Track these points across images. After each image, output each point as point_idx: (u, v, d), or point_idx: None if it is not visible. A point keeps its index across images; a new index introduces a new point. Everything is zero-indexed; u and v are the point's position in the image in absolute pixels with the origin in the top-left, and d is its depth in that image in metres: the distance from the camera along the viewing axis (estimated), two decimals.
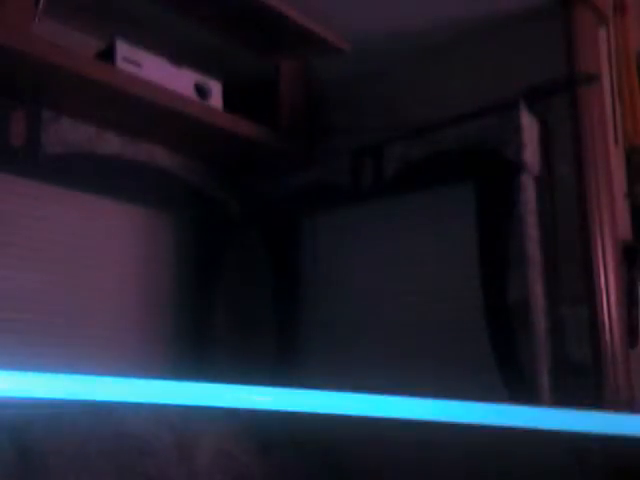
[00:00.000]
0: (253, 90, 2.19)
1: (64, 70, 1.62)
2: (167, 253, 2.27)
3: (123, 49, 1.77)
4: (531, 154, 1.80)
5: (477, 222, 1.85)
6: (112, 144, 1.96)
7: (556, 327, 1.76)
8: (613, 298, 1.75)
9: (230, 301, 2.29)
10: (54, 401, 1.76)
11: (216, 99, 1.98)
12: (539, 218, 1.82)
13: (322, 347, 2.20)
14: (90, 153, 1.91)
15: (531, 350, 1.71)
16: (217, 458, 1.85)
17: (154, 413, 1.83)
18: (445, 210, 1.98)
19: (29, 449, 1.57)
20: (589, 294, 1.74)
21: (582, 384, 1.71)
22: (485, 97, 1.93)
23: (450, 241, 1.96)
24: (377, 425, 1.51)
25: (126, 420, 1.77)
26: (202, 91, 1.95)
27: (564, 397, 1.72)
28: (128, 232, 2.17)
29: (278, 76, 2.16)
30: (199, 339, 2.22)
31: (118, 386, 1.07)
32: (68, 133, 1.85)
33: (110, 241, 2.11)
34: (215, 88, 1.98)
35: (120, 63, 1.76)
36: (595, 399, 1.68)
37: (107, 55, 1.76)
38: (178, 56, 1.91)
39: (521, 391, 1.73)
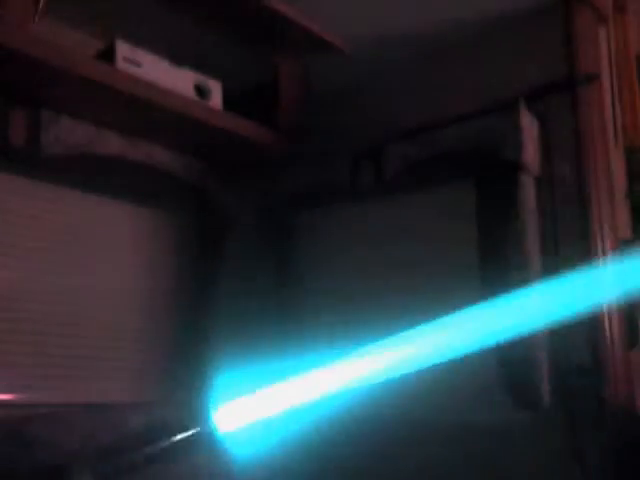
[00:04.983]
0: (253, 90, 2.19)
1: (64, 70, 1.62)
2: (167, 253, 2.27)
3: (123, 49, 1.77)
4: (531, 154, 1.80)
5: (477, 222, 1.85)
6: (112, 144, 1.96)
7: (556, 328, 1.75)
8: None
9: (230, 300, 2.29)
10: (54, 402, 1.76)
11: (216, 99, 1.98)
12: (539, 218, 1.82)
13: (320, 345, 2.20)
14: (90, 153, 1.91)
15: (531, 350, 1.71)
16: (217, 458, 1.85)
17: (154, 413, 1.83)
18: (445, 210, 1.98)
19: (30, 448, 1.57)
20: None
21: (582, 385, 1.70)
22: (485, 97, 1.93)
23: (450, 241, 1.96)
24: None
25: (125, 420, 1.77)
26: (202, 91, 1.95)
27: (564, 397, 1.72)
28: (128, 232, 2.18)
29: (278, 76, 2.16)
30: (199, 337, 2.22)
31: None
32: (68, 133, 1.85)
33: (110, 241, 2.12)
34: (215, 88, 1.98)
35: (120, 63, 1.76)
36: (595, 399, 1.68)
37: (107, 55, 1.76)
38: (178, 56, 1.91)
39: (521, 391, 1.73)
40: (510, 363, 1.74)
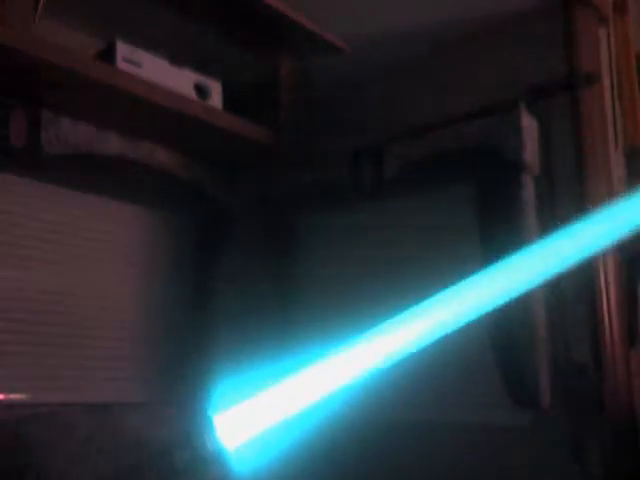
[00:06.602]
0: (253, 90, 2.19)
1: (64, 70, 1.62)
2: (167, 253, 2.27)
3: (123, 49, 1.77)
4: (531, 154, 1.80)
5: (477, 222, 1.85)
6: (112, 144, 1.96)
7: (556, 327, 1.75)
8: (613, 298, 1.75)
9: (230, 300, 2.29)
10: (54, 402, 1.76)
11: (216, 99, 1.98)
12: (539, 218, 1.82)
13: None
14: (90, 153, 1.91)
15: (531, 350, 1.71)
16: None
17: (153, 412, 1.83)
18: (445, 210, 1.98)
19: (29, 447, 1.57)
20: (589, 294, 1.74)
21: (582, 384, 1.71)
22: (485, 97, 1.93)
23: (450, 241, 1.96)
24: None
25: (125, 419, 1.77)
26: (202, 91, 1.95)
27: (564, 397, 1.72)
28: (128, 232, 2.18)
29: (278, 76, 2.16)
30: (199, 337, 2.22)
31: None
32: (68, 133, 1.85)
33: (110, 241, 2.12)
34: (215, 88, 1.98)
35: (120, 63, 1.76)
36: (595, 399, 1.68)
37: (107, 55, 1.76)
38: (178, 56, 1.91)
39: (521, 391, 1.73)
40: (510, 363, 1.74)
